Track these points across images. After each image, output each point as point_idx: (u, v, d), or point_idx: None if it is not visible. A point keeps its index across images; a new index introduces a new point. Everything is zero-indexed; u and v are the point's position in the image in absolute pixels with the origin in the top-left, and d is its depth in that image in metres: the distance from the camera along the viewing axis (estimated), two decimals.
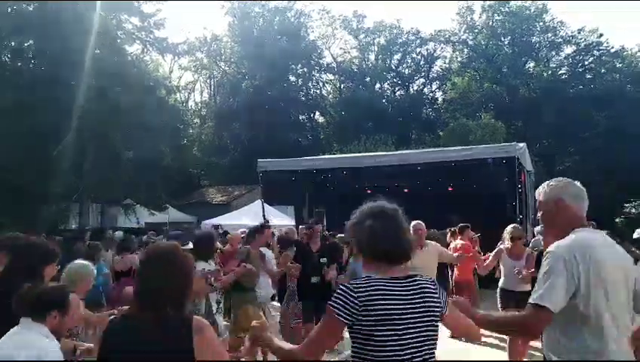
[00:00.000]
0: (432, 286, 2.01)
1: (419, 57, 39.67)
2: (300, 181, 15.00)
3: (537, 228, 8.34)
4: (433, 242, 5.94)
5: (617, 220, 24.98)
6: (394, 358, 1.85)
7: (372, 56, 40.48)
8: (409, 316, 1.89)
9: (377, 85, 39.38)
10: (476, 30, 36.85)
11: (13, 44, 18.61)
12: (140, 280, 2.04)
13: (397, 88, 40.18)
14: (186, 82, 39.81)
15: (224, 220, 16.49)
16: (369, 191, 16.15)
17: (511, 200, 10.64)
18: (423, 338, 1.91)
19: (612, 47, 33.11)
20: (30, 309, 2.36)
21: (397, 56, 39.99)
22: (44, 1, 16.94)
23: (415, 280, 1.98)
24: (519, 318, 2.18)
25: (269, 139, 31.16)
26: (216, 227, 14.11)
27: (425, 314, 1.93)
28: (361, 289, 1.88)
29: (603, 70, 33.13)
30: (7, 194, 15.15)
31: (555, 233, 2.26)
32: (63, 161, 15.94)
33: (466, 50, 37.41)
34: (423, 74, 40.14)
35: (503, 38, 35.88)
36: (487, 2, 35.91)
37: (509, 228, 6.01)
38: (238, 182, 28.55)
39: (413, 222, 5.61)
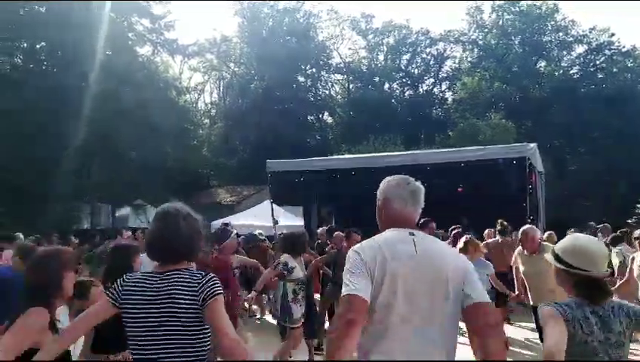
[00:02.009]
0: (188, 282, 1.97)
1: (428, 57, 39.52)
2: (309, 182, 14.96)
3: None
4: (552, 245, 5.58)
5: (629, 221, 24.67)
6: (138, 345, 1.97)
7: (381, 57, 40.40)
8: (151, 310, 1.95)
9: (386, 85, 39.27)
10: (486, 30, 36.62)
11: (25, 45, 18.82)
12: None
13: (406, 88, 40.03)
14: (196, 83, 39.98)
15: (233, 220, 16.52)
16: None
17: (521, 201, 10.55)
18: (162, 332, 1.94)
19: (623, 47, 32.88)
20: None
21: (406, 57, 39.85)
22: (56, 0, 17.10)
23: (170, 276, 2.00)
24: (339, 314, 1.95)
25: (277, 140, 31.14)
26: (226, 224, 14.11)
27: (165, 309, 1.94)
28: (126, 281, 2.05)
29: (614, 70, 32.74)
30: (8, 194, 15.26)
31: (382, 230, 2.18)
32: (71, 162, 16.08)
33: (475, 49, 37.18)
34: (433, 74, 39.95)
35: (513, 38, 35.60)
36: (497, 2, 35.69)
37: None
38: (247, 182, 28.52)
39: (523, 227, 5.44)
